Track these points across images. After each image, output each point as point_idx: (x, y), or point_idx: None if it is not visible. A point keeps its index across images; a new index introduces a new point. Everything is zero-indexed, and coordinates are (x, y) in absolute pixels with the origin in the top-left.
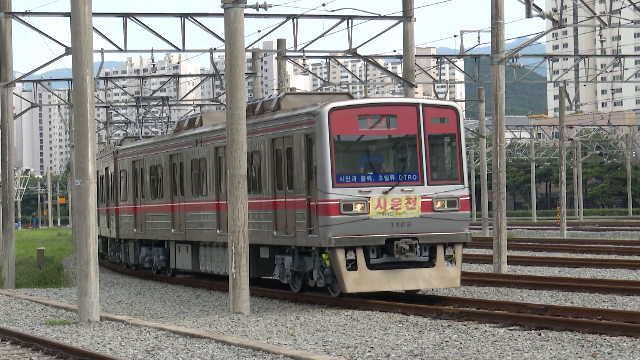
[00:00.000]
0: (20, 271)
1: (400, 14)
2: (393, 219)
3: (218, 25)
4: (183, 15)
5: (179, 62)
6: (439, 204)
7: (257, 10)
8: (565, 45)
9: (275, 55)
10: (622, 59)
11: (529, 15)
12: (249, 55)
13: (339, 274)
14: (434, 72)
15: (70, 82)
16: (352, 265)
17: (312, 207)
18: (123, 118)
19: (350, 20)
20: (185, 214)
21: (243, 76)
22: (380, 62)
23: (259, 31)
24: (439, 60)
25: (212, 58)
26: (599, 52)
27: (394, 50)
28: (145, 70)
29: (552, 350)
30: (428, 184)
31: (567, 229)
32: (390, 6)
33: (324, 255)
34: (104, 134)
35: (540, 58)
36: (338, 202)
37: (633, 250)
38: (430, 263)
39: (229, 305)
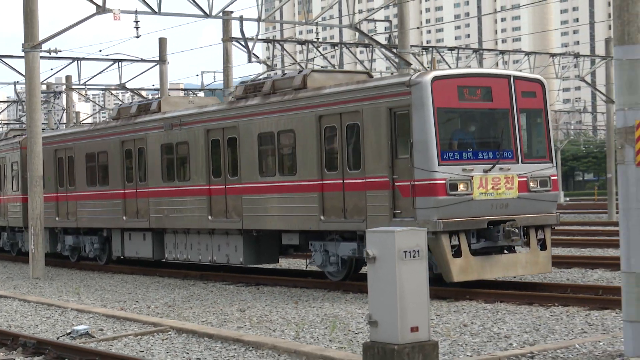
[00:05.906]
0: None
1: (157, 58)
2: (493, 200)
3: (20, 63)
4: None
5: None
6: (532, 183)
7: (50, 53)
8: None
9: (64, 87)
10: None
11: (250, 60)
12: (44, 87)
13: (444, 261)
14: None
15: None
16: (456, 252)
17: (402, 187)
18: None
19: (120, 62)
20: (149, 201)
21: (39, 103)
22: (144, 93)
23: (52, 69)
24: (186, 93)
25: (15, 89)
26: None
27: (153, 85)
28: None
29: (267, 300)
30: (522, 162)
31: None
32: (152, 51)
33: None
34: None
35: None
36: (444, 182)
37: None
38: (525, 248)
39: (29, 273)
